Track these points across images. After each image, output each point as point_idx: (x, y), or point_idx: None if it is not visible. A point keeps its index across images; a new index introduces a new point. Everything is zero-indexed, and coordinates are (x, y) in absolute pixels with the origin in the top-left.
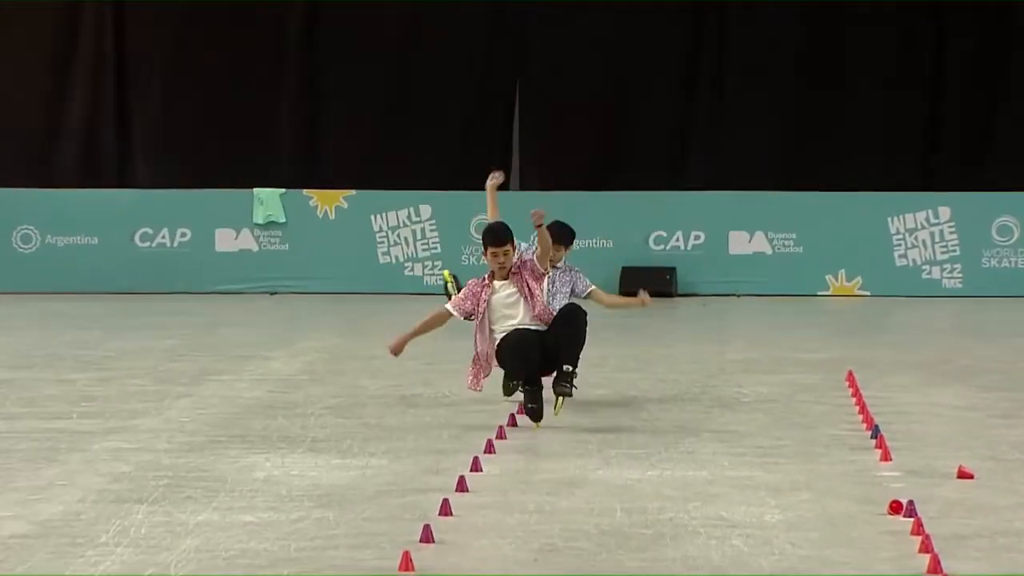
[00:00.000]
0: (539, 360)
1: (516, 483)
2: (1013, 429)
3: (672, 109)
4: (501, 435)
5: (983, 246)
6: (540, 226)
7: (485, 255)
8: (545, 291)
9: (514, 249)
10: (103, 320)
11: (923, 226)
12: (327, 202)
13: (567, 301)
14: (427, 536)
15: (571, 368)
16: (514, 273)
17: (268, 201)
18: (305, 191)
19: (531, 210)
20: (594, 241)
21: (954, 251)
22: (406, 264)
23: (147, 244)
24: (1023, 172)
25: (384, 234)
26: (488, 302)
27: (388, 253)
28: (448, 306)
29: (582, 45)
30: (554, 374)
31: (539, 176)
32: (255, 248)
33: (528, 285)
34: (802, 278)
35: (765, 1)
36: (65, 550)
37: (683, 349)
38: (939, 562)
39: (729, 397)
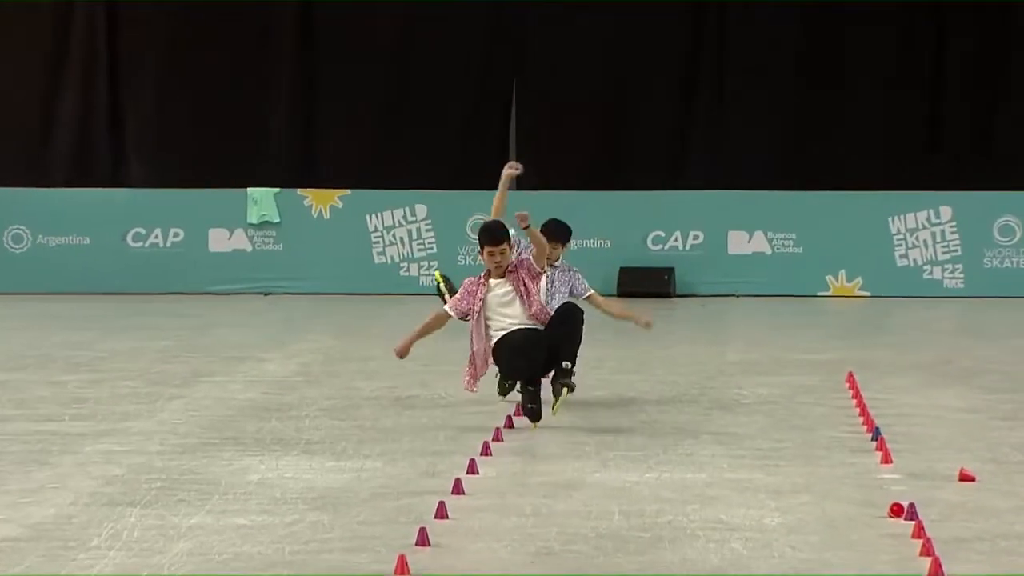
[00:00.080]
0: (543, 361)
1: (513, 486)
2: (1015, 431)
3: (672, 109)
4: (498, 437)
5: (985, 246)
6: (527, 227)
7: (481, 254)
8: (544, 290)
9: (511, 248)
10: (95, 321)
11: (924, 226)
12: (322, 202)
13: (567, 300)
14: (423, 539)
15: (570, 365)
16: (511, 272)
17: (262, 201)
18: (299, 190)
19: (515, 213)
20: (592, 241)
21: (955, 251)
22: (402, 264)
23: (140, 244)
24: None
25: (379, 234)
26: (484, 300)
27: (383, 253)
28: (446, 307)
29: (582, 45)
30: (551, 373)
31: (537, 176)
32: (249, 248)
33: (524, 284)
34: (802, 278)
35: (765, 1)
36: (57, 554)
37: (682, 350)
38: (940, 565)
39: (728, 399)
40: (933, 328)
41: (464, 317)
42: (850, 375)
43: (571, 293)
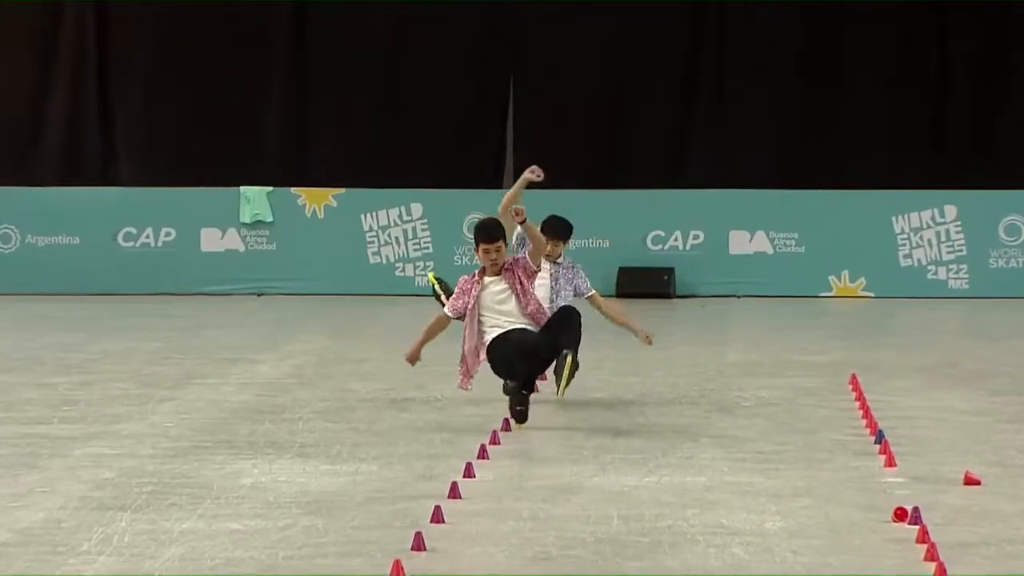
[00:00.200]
0: (542, 364)
1: (510, 489)
2: (1021, 434)
3: (672, 109)
4: (495, 440)
5: (990, 246)
6: (523, 222)
7: (477, 251)
8: (548, 287)
9: (507, 246)
10: (85, 322)
11: (928, 225)
12: (316, 201)
13: (572, 296)
14: (418, 544)
15: (571, 352)
16: (506, 269)
17: (255, 200)
18: (293, 189)
19: (512, 207)
20: (590, 241)
21: (960, 251)
22: (397, 264)
23: (130, 244)
24: None
25: (374, 234)
26: (478, 298)
27: (378, 253)
28: (445, 309)
29: (581, 45)
30: (553, 365)
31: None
32: (242, 248)
33: (520, 282)
34: (804, 279)
35: (765, 1)
36: (46, 559)
37: (681, 351)
38: (945, 570)
39: (729, 401)
40: (938, 329)
41: (460, 316)
42: (853, 377)
43: (575, 291)
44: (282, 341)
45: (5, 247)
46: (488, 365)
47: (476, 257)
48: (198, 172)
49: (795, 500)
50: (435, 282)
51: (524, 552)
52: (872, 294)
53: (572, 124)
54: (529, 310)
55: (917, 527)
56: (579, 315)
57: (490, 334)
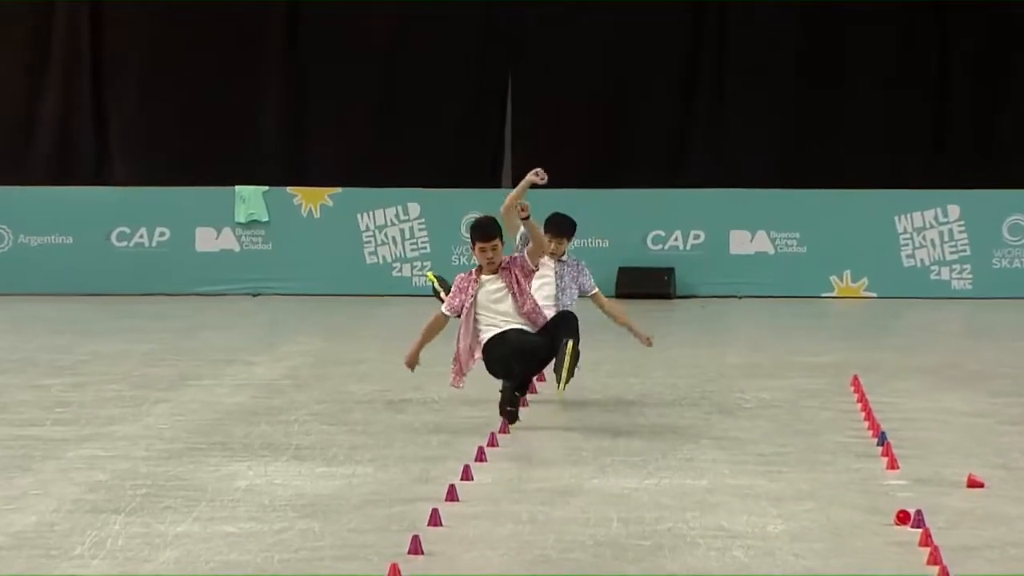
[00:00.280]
0: (539, 365)
1: (508, 492)
2: None
3: (672, 109)
4: (493, 442)
5: (994, 246)
6: (526, 218)
7: (473, 250)
8: (554, 285)
9: (504, 245)
10: (78, 323)
11: (931, 225)
12: (312, 200)
13: (577, 294)
14: (416, 548)
15: (572, 341)
16: (503, 268)
17: (250, 199)
18: (289, 189)
19: (520, 203)
20: (590, 240)
21: (964, 251)
22: (394, 265)
23: (124, 244)
24: None
25: (371, 233)
26: (475, 297)
27: (375, 253)
28: (443, 308)
29: (581, 45)
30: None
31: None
32: (237, 248)
33: (517, 281)
34: (806, 279)
35: (765, 1)
36: (39, 562)
37: (682, 352)
38: (948, 574)
39: (730, 403)
40: (940, 330)
41: (458, 314)
42: (855, 378)
43: (580, 289)
44: (278, 342)
45: None
46: (483, 365)
47: (473, 256)
48: (193, 172)
49: (797, 503)
50: (434, 280)
51: (523, 555)
52: (874, 294)
53: (571, 124)
54: (525, 309)
55: (920, 530)
56: (576, 320)
57: (486, 333)
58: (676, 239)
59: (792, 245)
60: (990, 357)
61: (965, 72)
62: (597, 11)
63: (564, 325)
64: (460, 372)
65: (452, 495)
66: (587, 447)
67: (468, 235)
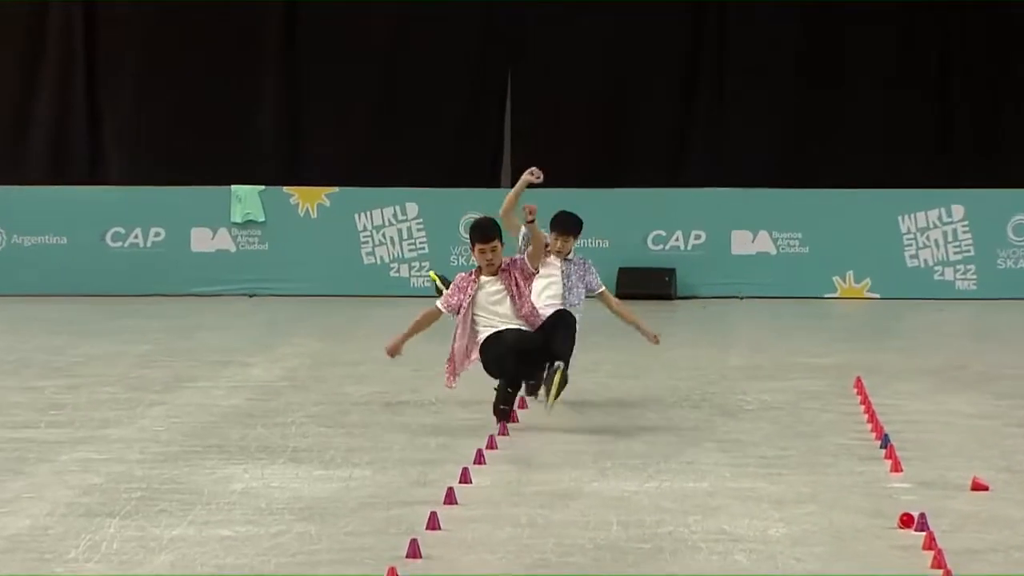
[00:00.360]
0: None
1: (507, 495)
2: None
3: (672, 109)
4: (492, 445)
5: (998, 246)
6: (531, 222)
7: (473, 251)
8: (561, 284)
9: (503, 245)
10: (72, 324)
11: (935, 225)
12: (308, 200)
13: (584, 293)
14: (414, 551)
15: (562, 365)
16: (503, 270)
17: (246, 199)
18: (285, 188)
19: (524, 204)
20: (590, 241)
21: (968, 251)
22: (392, 265)
23: (119, 244)
24: None
25: (368, 233)
26: (473, 297)
27: (373, 253)
28: (438, 303)
29: (581, 45)
30: (543, 374)
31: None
32: (233, 248)
33: (517, 283)
34: (808, 280)
35: (765, 1)
36: (32, 566)
37: (683, 354)
38: None
39: (731, 405)
40: (944, 331)
41: (456, 312)
42: (858, 380)
43: (586, 288)
44: (274, 343)
45: None
46: (480, 366)
47: (472, 256)
48: (189, 171)
49: (799, 506)
50: (436, 279)
51: (522, 559)
52: (877, 295)
53: (571, 124)
54: (523, 312)
55: (924, 534)
56: (575, 320)
57: (484, 333)
58: (677, 239)
59: (794, 245)
60: (995, 359)
61: (967, 71)
62: (597, 11)
63: (562, 325)
64: (453, 372)
65: (451, 498)
66: (587, 449)
67: (467, 236)
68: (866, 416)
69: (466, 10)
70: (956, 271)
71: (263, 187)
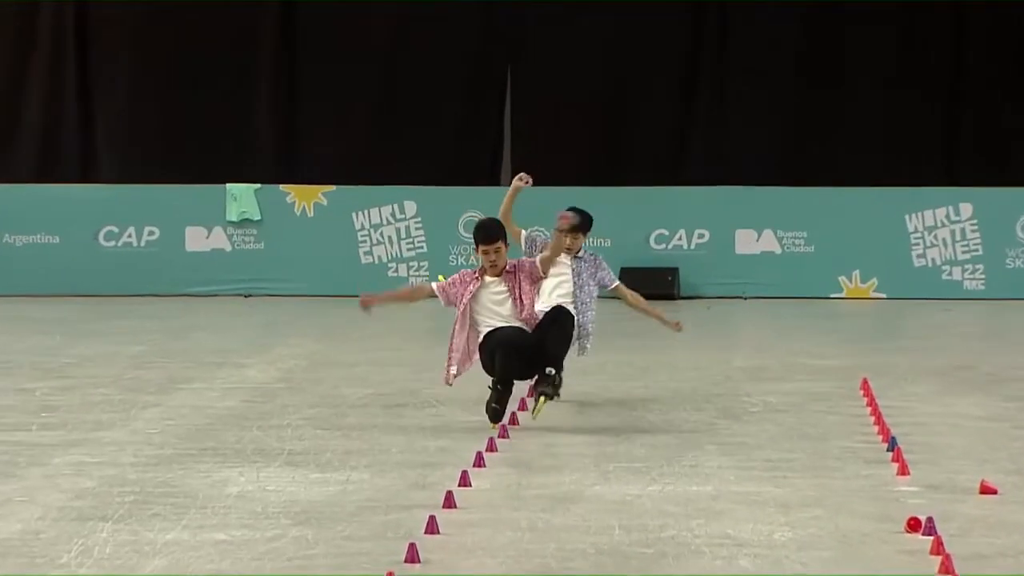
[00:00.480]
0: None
1: (507, 499)
2: None
3: (672, 109)
4: (491, 447)
5: (1007, 245)
6: (563, 231)
7: (477, 251)
8: (571, 282)
9: (507, 246)
10: (65, 324)
11: (943, 224)
12: (305, 198)
13: (596, 291)
14: (412, 556)
15: (554, 372)
16: (508, 272)
17: (242, 197)
18: (282, 187)
19: (561, 212)
20: (591, 240)
21: (976, 250)
22: (390, 264)
23: (112, 243)
24: None
25: (366, 232)
26: (476, 296)
27: (371, 253)
28: (434, 285)
29: (581, 45)
30: (536, 377)
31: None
32: (228, 247)
33: (520, 287)
34: (813, 279)
35: (765, 1)
36: (24, 571)
37: (685, 355)
38: None
39: (735, 406)
40: (952, 332)
41: (449, 304)
42: (864, 382)
43: (599, 284)
44: (270, 344)
45: None
46: (480, 366)
47: (476, 255)
48: (183, 170)
49: (804, 510)
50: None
51: (522, 564)
52: (884, 295)
53: (571, 124)
54: (523, 315)
55: (931, 538)
56: (572, 318)
57: (484, 332)
58: (680, 238)
59: (799, 244)
60: (1004, 360)
61: (966, 71)
62: (597, 11)
63: (556, 326)
64: (448, 369)
65: (450, 502)
66: (588, 452)
67: (466, 234)
68: (873, 418)
69: (466, 9)
70: (964, 271)
71: (259, 185)
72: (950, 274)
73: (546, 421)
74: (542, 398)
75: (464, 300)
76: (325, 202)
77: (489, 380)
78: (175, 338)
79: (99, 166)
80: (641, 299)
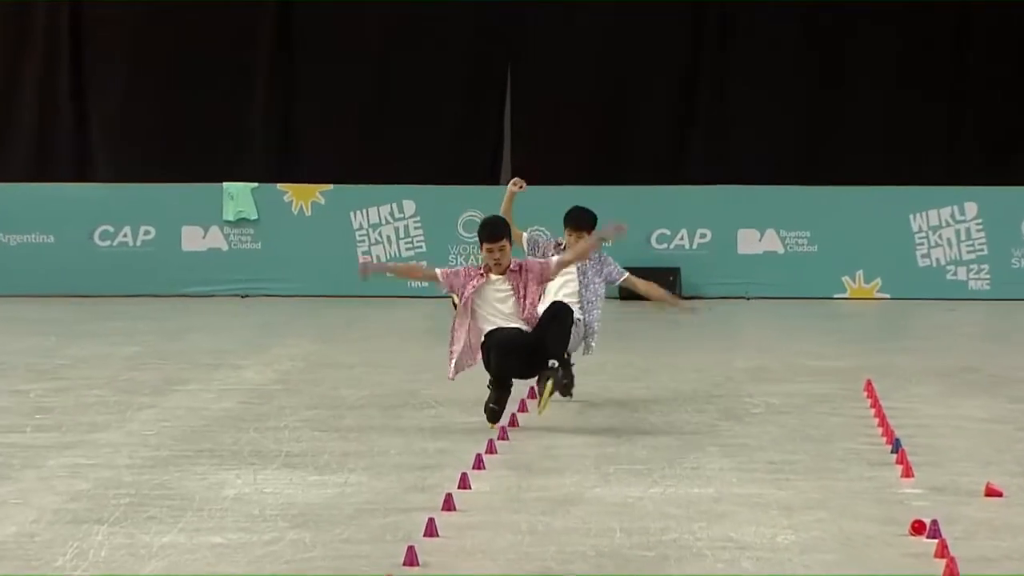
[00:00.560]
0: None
1: (507, 501)
2: None
3: (672, 109)
4: (491, 449)
5: (1013, 245)
6: (604, 241)
7: (481, 249)
8: (577, 282)
9: (511, 245)
10: (59, 325)
11: (948, 223)
12: (303, 197)
13: (603, 289)
14: (411, 559)
15: (556, 364)
16: (513, 271)
17: (239, 196)
18: (279, 186)
19: (613, 224)
20: None
21: (981, 250)
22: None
23: (108, 243)
24: None
25: (364, 232)
26: (479, 291)
27: (369, 252)
28: (438, 270)
29: (581, 44)
30: (536, 377)
31: (530, 172)
32: (225, 247)
33: (527, 286)
34: (817, 279)
35: (765, 1)
36: (18, 574)
37: (687, 356)
38: None
39: (737, 408)
40: (957, 333)
41: (450, 292)
42: (868, 383)
43: (607, 279)
44: (267, 345)
45: None
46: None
47: (476, 255)
48: (179, 168)
49: (808, 512)
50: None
51: (522, 567)
52: (888, 296)
53: (571, 124)
54: (525, 315)
55: (936, 541)
56: (571, 314)
57: (485, 328)
58: (682, 238)
59: (802, 244)
60: (1009, 361)
61: (966, 71)
62: (597, 11)
63: (555, 323)
64: (455, 365)
65: (449, 504)
66: (589, 454)
67: (466, 234)
68: (877, 420)
69: (466, 9)
70: (969, 270)
71: (256, 184)
72: (955, 274)
73: (546, 422)
74: (548, 383)
75: (466, 293)
76: (323, 201)
77: (488, 380)
78: (171, 339)
79: (95, 166)
80: (652, 286)
